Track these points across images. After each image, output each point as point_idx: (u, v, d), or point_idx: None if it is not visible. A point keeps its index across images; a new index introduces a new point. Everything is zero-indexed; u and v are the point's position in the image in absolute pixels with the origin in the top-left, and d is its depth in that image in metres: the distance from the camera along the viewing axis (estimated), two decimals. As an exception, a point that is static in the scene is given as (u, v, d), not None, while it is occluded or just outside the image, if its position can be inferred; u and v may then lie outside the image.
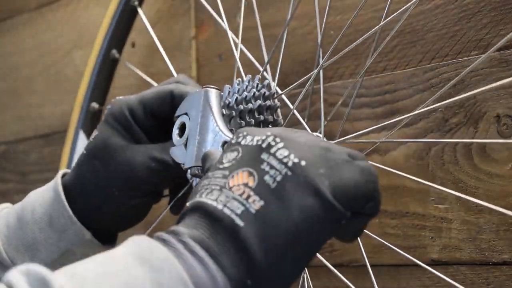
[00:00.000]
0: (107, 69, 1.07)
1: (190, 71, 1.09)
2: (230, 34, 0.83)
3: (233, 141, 0.57)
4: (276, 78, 0.75)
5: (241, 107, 0.69)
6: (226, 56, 1.05)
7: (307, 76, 0.72)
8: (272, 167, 0.53)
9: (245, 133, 0.57)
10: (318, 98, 0.87)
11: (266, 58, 0.78)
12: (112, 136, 0.76)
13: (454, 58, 0.81)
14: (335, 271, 0.69)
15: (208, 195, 0.53)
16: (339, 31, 0.91)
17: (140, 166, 0.75)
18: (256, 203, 0.51)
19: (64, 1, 1.33)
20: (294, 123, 0.75)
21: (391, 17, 0.67)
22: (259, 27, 0.82)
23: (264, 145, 0.55)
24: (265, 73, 0.76)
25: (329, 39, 0.91)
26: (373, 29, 0.68)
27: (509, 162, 0.76)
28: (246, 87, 0.71)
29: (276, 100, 0.71)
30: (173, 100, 0.76)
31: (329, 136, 0.75)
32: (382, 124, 0.68)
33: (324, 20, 0.74)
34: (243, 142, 0.56)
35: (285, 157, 0.53)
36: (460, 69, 0.80)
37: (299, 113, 0.75)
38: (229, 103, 0.70)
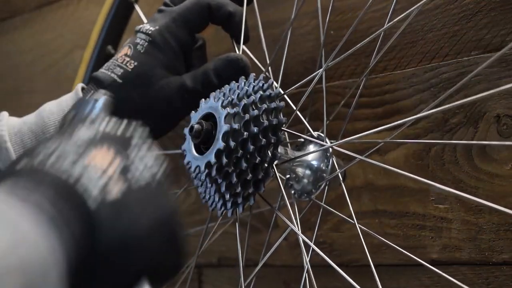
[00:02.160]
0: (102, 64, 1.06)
1: (190, 71, 1.09)
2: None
3: None
4: (280, 79, 0.75)
5: (244, 101, 0.68)
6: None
7: (311, 76, 0.72)
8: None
9: None
10: (318, 98, 0.87)
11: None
12: (154, 67, 0.78)
13: (454, 58, 0.81)
14: (340, 270, 0.69)
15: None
16: (339, 31, 0.91)
17: (175, 97, 0.77)
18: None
19: (64, 1, 1.33)
20: (295, 123, 0.75)
21: (394, 20, 0.67)
22: (260, 28, 0.82)
23: None
24: (267, 74, 0.76)
25: (329, 38, 0.91)
26: (376, 32, 0.68)
27: (509, 162, 0.76)
28: (248, 84, 0.71)
29: (279, 101, 0.71)
30: (210, 14, 0.79)
31: (330, 136, 0.75)
32: (387, 126, 0.68)
33: (327, 20, 0.74)
34: None
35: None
36: (460, 69, 0.80)
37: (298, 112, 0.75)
38: (232, 100, 0.69)
